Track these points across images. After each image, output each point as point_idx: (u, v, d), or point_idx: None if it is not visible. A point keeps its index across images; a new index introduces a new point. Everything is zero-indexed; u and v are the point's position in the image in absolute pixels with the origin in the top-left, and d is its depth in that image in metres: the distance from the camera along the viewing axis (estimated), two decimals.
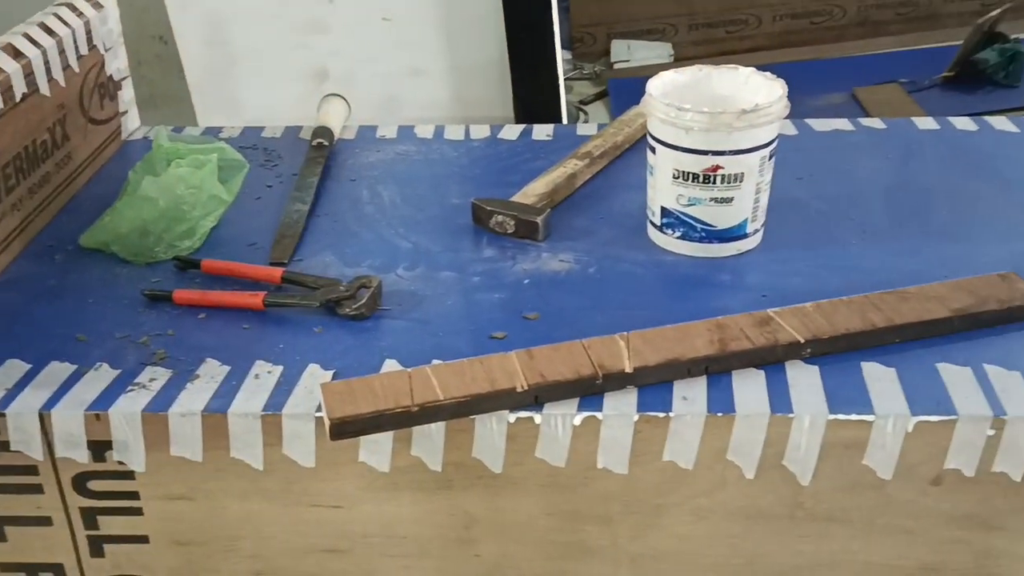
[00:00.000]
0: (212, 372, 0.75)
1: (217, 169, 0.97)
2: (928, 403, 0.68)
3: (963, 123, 1.12)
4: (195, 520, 0.76)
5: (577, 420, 0.69)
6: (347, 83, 1.47)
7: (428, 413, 0.69)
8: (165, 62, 2.11)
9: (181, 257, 0.90)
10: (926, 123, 1.12)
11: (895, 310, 0.75)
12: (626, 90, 2.51)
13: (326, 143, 1.10)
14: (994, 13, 2.56)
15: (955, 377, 0.71)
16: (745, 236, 0.88)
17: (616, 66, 2.96)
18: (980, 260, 0.84)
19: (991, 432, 0.68)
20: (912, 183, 1.00)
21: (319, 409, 0.70)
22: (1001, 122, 1.12)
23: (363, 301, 0.80)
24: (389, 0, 1.48)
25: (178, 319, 0.82)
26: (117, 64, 1.14)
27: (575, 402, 0.70)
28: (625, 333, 0.74)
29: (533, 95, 1.49)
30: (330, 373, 0.74)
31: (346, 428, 0.68)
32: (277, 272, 0.86)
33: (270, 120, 1.23)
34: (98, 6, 1.10)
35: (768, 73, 0.89)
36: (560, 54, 1.50)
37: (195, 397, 0.72)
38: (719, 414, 0.69)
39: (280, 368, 0.75)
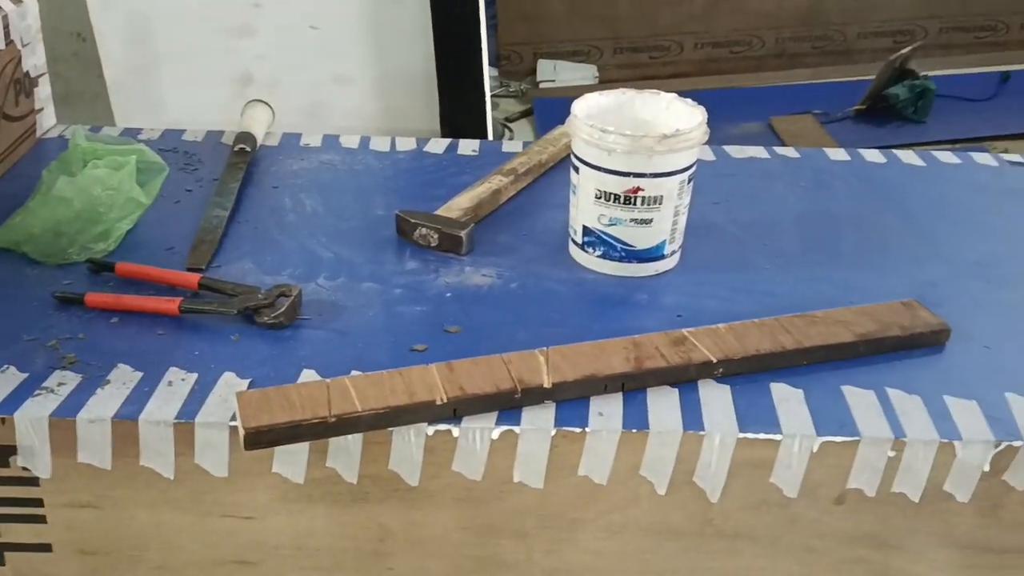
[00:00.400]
0: (124, 378, 0.73)
1: (135, 171, 0.95)
2: (833, 424, 0.71)
3: (872, 155, 1.16)
4: (101, 529, 0.74)
5: (495, 434, 0.70)
6: (272, 89, 1.46)
7: (345, 424, 0.68)
8: (83, 60, 2.06)
9: (95, 260, 0.88)
10: (837, 154, 1.16)
11: (803, 333, 0.78)
12: (551, 109, 2.54)
13: (248, 149, 1.09)
14: (905, 50, 2.67)
15: (859, 399, 0.74)
16: (663, 257, 0.90)
17: (542, 85, 3.00)
18: (885, 288, 0.87)
19: (891, 453, 0.70)
20: (823, 212, 1.03)
21: (233, 418, 0.69)
22: (908, 156, 1.16)
23: (282, 310, 0.80)
24: (317, 7, 1.47)
25: (90, 323, 0.80)
26: (34, 60, 1.11)
27: (493, 416, 0.71)
28: (544, 349, 0.75)
29: (460, 109, 1.50)
30: (246, 382, 0.73)
31: (261, 438, 0.67)
32: (194, 278, 0.85)
33: (192, 123, 1.21)
34: (17, 1, 1.07)
35: (689, 100, 0.91)
36: (487, 71, 1.52)
37: (105, 403, 0.71)
38: (634, 430, 0.70)
39: (195, 376, 0.74)
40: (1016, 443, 0.70)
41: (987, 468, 0.70)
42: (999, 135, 2.50)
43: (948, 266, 0.92)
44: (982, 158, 1.17)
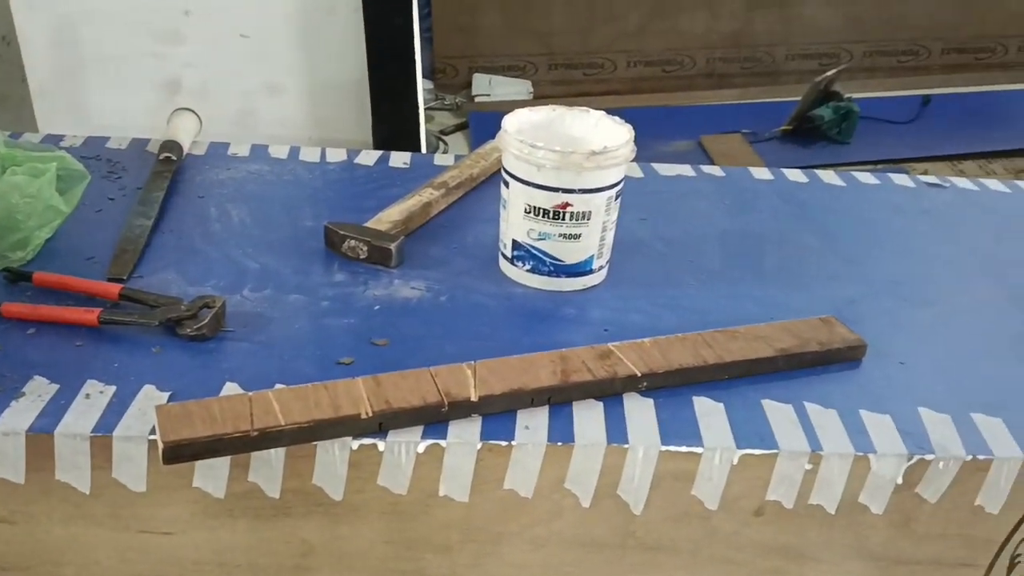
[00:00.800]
0: (39, 390, 0.71)
1: (56, 179, 0.93)
2: (752, 437, 0.72)
3: (795, 175, 1.19)
4: (15, 544, 0.72)
5: (421, 448, 0.70)
6: (201, 97, 1.44)
7: (268, 438, 0.67)
8: (7, 63, 2.00)
9: (12, 269, 0.86)
10: (761, 173, 1.19)
11: (725, 348, 0.79)
12: (486, 123, 2.56)
13: (174, 158, 1.07)
14: (830, 73, 2.75)
15: (777, 413, 0.75)
16: (591, 272, 0.91)
17: (477, 99, 3.01)
18: (804, 305, 0.90)
19: (809, 466, 0.72)
20: (746, 230, 1.06)
21: (153, 432, 0.68)
22: (829, 176, 1.20)
23: (205, 321, 0.78)
24: (248, 15, 1.45)
25: (5, 333, 0.78)
26: None
27: (420, 430, 0.71)
28: (472, 362, 0.75)
29: (393, 122, 1.50)
30: (166, 395, 0.72)
31: (180, 452, 0.66)
32: (115, 288, 0.83)
33: (118, 130, 1.18)
34: None
35: (617, 118, 0.92)
36: (421, 83, 1.52)
37: (19, 416, 0.69)
38: (559, 443, 0.71)
39: (113, 388, 0.72)
40: (928, 457, 0.72)
41: (900, 481, 0.73)
42: (920, 157, 2.59)
43: (865, 284, 0.95)
44: (900, 179, 1.21)
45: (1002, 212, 1.15)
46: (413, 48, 1.46)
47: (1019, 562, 0.77)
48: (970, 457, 0.72)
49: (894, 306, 0.92)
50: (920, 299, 0.93)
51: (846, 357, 0.82)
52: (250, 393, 0.70)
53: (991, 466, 0.73)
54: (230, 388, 0.73)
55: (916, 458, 0.72)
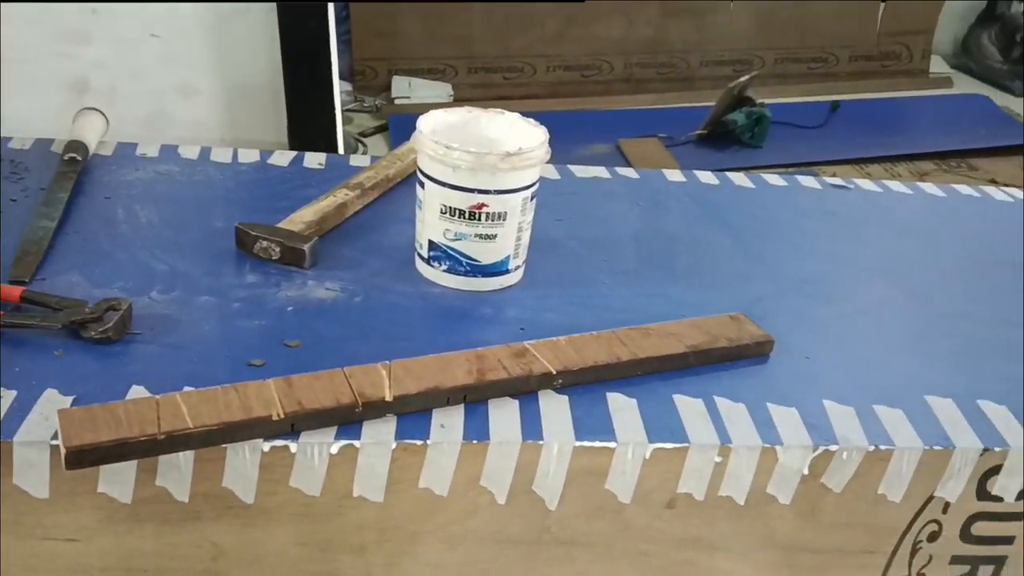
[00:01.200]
0: None
1: None
2: (664, 432, 0.74)
3: (706, 177, 1.22)
4: None
5: (334, 449, 0.69)
6: (110, 98, 1.41)
7: (175, 441, 0.66)
8: None
9: None
10: (674, 175, 1.21)
11: (638, 345, 0.81)
12: (406, 126, 2.54)
13: (79, 158, 1.04)
14: (743, 79, 2.81)
15: (688, 408, 0.77)
16: (507, 272, 0.92)
17: (397, 102, 3.00)
18: (714, 302, 0.91)
19: (719, 459, 0.74)
20: (659, 230, 1.08)
21: (55, 437, 0.66)
22: (739, 178, 1.23)
23: (110, 324, 0.76)
24: (159, 16, 1.42)
25: None
26: None
27: (333, 430, 0.70)
28: (388, 362, 0.75)
29: (309, 124, 1.49)
30: (70, 399, 0.70)
31: (84, 457, 0.64)
32: (16, 291, 0.80)
33: (24, 131, 1.15)
34: None
35: (532, 120, 0.93)
36: (338, 84, 1.51)
37: None
38: (474, 441, 0.71)
39: (14, 393, 0.70)
40: (832, 447, 0.74)
41: (806, 472, 0.75)
42: (829, 160, 2.67)
43: (773, 282, 0.98)
44: (807, 181, 1.24)
45: (903, 213, 1.19)
46: (329, 50, 1.45)
47: (920, 548, 0.80)
48: (872, 448, 0.75)
49: (800, 303, 0.94)
50: (825, 296, 0.96)
51: (754, 353, 0.84)
52: (157, 396, 0.69)
53: (892, 456, 0.75)
54: (136, 391, 0.72)
55: (821, 449, 0.74)
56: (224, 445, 0.68)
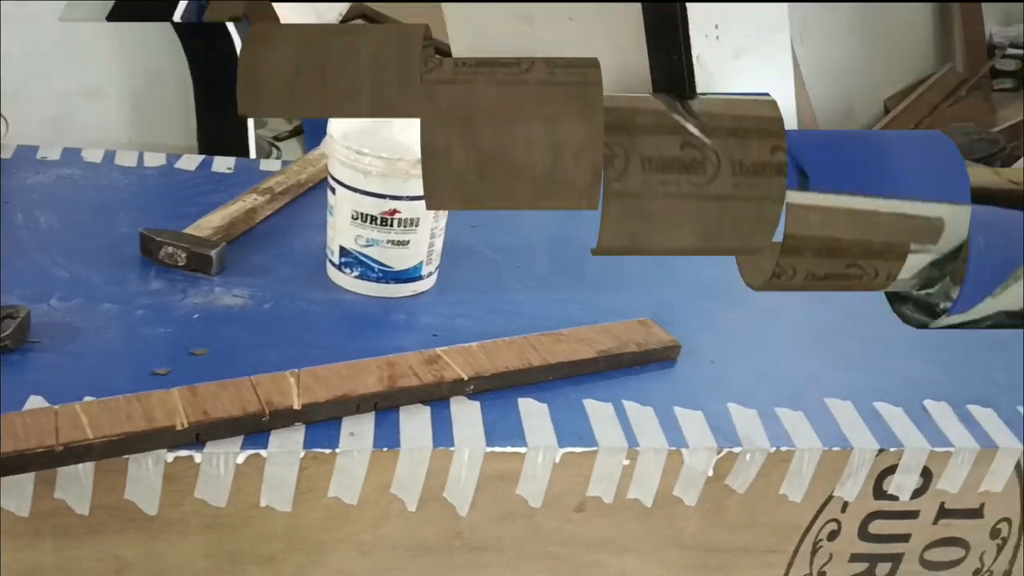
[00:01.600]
0: None
1: None
2: (574, 436, 0.75)
3: None
4: None
5: (240, 458, 0.68)
6: (10, 99, 1.36)
7: (75, 453, 0.64)
8: None
9: None
10: None
11: (549, 351, 0.82)
12: (321, 129, 2.52)
13: None
14: None
15: (598, 412, 0.78)
16: (420, 278, 0.92)
17: None
18: (624, 307, 0.93)
19: (627, 462, 0.75)
20: (571, 236, 1.09)
21: None
22: None
23: (7, 332, 0.74)
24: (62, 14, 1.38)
25: None
26: None
27: (239, 440, 0.69)
28: (296, 370, 0.74)
29: (219, 126, 1.46)
30: None
31: None
32: None
33: None
34: None
35: None
36: None
37: None
38: (385, 449, 0.71)
39: None
40: (736, 449, 0.76)
41: (711, 473, 0.76)
42: None
43: (680, 287, 1.00)
44: None
45: None
46: (237, 50, 1.43)
47: (821, 547, 0.83)
48: (774, 449, 0.77)
49: (706, 307, 0.96)
50: (730, 300, 0.98)
51: (662, 357, 0.86)
52: (56, 407, 0.67)
53: (793, 457, 0.77)
54: (35, 402, 0.69)
55: (725, 451, 0.76)
56: (126, 456, 0.66)
